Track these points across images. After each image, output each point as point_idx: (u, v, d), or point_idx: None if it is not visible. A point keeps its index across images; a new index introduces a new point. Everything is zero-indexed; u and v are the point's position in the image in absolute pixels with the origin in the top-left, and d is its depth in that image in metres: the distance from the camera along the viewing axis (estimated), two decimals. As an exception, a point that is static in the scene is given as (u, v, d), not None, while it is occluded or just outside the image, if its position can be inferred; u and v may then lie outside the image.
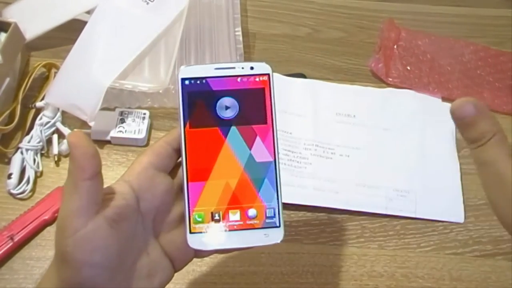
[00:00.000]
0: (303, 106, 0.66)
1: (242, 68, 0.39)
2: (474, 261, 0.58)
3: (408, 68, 0.72)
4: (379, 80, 0.71)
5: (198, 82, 0.39)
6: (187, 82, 0.39)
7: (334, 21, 0.78)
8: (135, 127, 0.63)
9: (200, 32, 0.69)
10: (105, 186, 0.37)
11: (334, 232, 0.59)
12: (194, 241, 0.38)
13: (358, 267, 0.57)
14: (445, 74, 0.72)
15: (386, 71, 0.71)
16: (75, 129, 0.62)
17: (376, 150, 0.64)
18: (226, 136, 0.39)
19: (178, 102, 0.39)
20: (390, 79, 0.71)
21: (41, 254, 0.55)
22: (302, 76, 0.70)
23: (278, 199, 0.39)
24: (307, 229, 0.59)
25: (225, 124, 0.39)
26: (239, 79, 0.39)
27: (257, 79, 0.39)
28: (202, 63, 0.66)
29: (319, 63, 0.73)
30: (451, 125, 0.67)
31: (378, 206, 0.60)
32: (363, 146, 0.64)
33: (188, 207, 0.38)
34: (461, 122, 0.37)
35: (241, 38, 0.69)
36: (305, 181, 0.60)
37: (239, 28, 0.70)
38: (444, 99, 0.70)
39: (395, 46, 0.74)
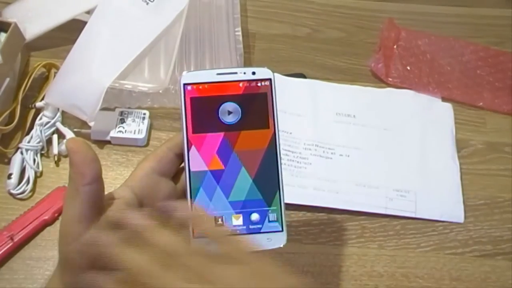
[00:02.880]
0: (303, 106, 0.66)
1: (244, 73, 0.39)
2: (474, 261, 0.58)
3: (408, 68, 0.72)
4: (379, 80, 0.71)
5: (201, 87, 0.39)
6: (189, 87, 0.39)
7: (334, 21, 0.78)
8: (135, 127, 0.63)
9: (200, 32, 0.69)
10: (105, 186, 0.37)
11: (334, 232, 0.59)
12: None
13: (358, 267, 0.57)
14: (445, 74, 0.72)
15: (386, 71, 0.71)
16: (72, 136, 0.62)
17: (376, 150, 0.64)
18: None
19: (180, 107, 0.39)
20: (390, 79, 0.71)
21: (41, 254, 0.55)
22: (302, 76, 0.70)
23: (280, 203, 0.39)
24: (307, 229, 0.59)
25: (228, 129, 0.39)
26: (241, 84, 0.39)
27: (259, 84, 0.39)
28: (202, 64, 0.66)
29: (319, 63, 0.73)
30: (451, 125, 0.68)
31: (378, 206, 0.60)
32: (363, 146, 0.64)
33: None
34: None
35: (241, 38, 0.69)
36: (305, 181, 0.60)
37: (239, 28, 0.70)
38: (444, 99, 0.70)
39: (395, 46, 0.74)
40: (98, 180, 0.35)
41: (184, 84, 0.39)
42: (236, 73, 0.39)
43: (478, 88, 0.71)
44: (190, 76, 0.39)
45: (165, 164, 0.40)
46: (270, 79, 0.40)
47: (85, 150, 0.35)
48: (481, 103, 0.70)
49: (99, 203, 0.36)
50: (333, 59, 0.73)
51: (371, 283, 0.56)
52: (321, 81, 0.70)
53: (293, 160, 0.62)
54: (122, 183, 0.39)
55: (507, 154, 0.66)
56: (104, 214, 0.36)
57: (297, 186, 0.60)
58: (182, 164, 0.40)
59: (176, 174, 0.41)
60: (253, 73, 0.39)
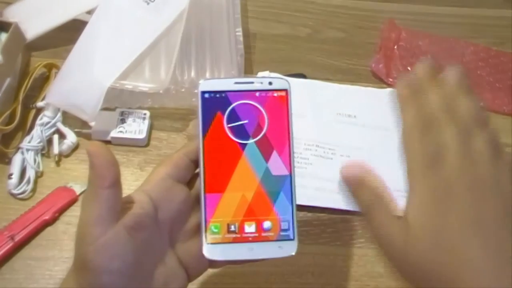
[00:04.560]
0: (303, 107, 0.66)
1: (261, 83, 0.40)
2: (474, 262, 0.58)
3: (409, 68, 0.72)
4: (379, 80, 0.71)
5: (218, 95, 0.40)
6: (206, 95, 0.40)
7: (334, 22, 0.78)
8: (135, 127, 0.63)
9: (200, 32, 0.69)
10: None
11: (335, 233, 0.59)
12: (209, 252, 0.38)
13: (358, 268, 0.57)
14: (445, 74, 0.72)
15: (386, 71, 0.71)
16: (74, 136, 0.62)
17: (377, 150, 0.64)
18: (243, 149, 0.40)
19: (197, 114, 0.39)
20: (391, 80, 0.71)
21: (42, 254, 0.55)
22: (303, 76, 0.70)
23: (292, 212, 0.40)
24: (307, 229, 0.59)
25: (243, 137, 0.39)
26: (257, 93, 0.40)
27: (275, 94, 0.41)
28: (202, 64, 0.66)
29: (319, 63, 0.73)
30: (451, 126, 0.67)
31: (378, 206, 0.60)
32: (364, 146, 0.64)
33: (205, 218, 0.39)
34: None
35: (241, 39, 0.69)
36: (305, 182, 0.60)
37: (240, 29, 0.70)
38: (445, 99, 0.70)
39: (395, 47, 0.74)
40: (117, 184, 0.36)
41: (202, 92, 0.40)
42: (253, 82, 0.40)
43: (478, 88, 0.71)
44: (208, 84, 0.40)
45: (180, 169, 0.40)
46: (286, 90, 0.41)
47: (106, 153, 0.36)
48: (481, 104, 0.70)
49: (117, 207, 0.36)
50: (333, 59, 0.73)
51: (372, 283, 0.56)
52: (322, 81, 0.70)
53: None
54: (138, 187, 0.40)
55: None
56: (122, 219, 0.36)
57: (298, 186, 0.60)
58: (197, 170, 0.41)
59: (190, 180, 0.42)
60: (270, 83, 0.41)
